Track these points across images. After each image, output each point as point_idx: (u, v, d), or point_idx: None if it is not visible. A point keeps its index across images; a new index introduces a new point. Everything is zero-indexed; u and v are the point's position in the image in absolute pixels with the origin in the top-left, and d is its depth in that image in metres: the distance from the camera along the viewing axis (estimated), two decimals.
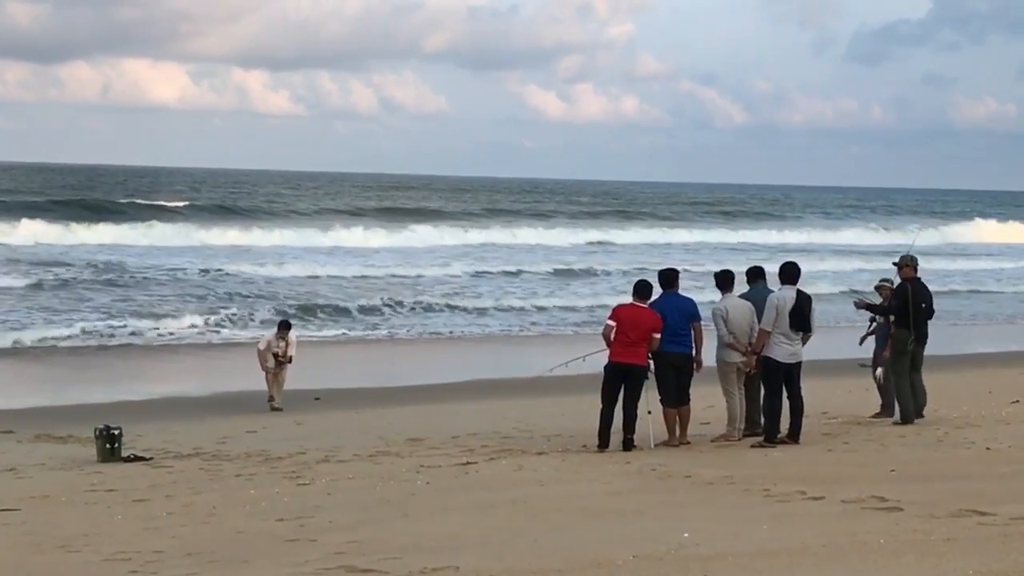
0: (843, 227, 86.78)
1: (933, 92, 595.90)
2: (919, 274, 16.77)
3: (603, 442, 15.08)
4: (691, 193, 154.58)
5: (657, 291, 15.38)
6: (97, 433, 15.84)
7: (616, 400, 15.17)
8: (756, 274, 16.27)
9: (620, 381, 15.10)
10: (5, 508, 12.34)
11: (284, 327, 21.54)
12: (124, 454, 15.73)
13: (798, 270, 15.39)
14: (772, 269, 15.98)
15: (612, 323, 15.10)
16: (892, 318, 16.71)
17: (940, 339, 30.11)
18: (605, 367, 15.28)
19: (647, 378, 15.14)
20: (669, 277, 15.62)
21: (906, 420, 16.50)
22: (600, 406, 15.21)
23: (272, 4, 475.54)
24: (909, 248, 18.14)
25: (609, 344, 15.15)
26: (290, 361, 21.10)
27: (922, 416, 16.71)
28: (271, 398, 20.80)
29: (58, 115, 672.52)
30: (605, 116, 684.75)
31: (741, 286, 16.06)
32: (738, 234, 75.67)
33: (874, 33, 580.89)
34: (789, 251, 64.20)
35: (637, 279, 15.99)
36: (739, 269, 16.52)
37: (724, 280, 15.83)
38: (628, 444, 15.01)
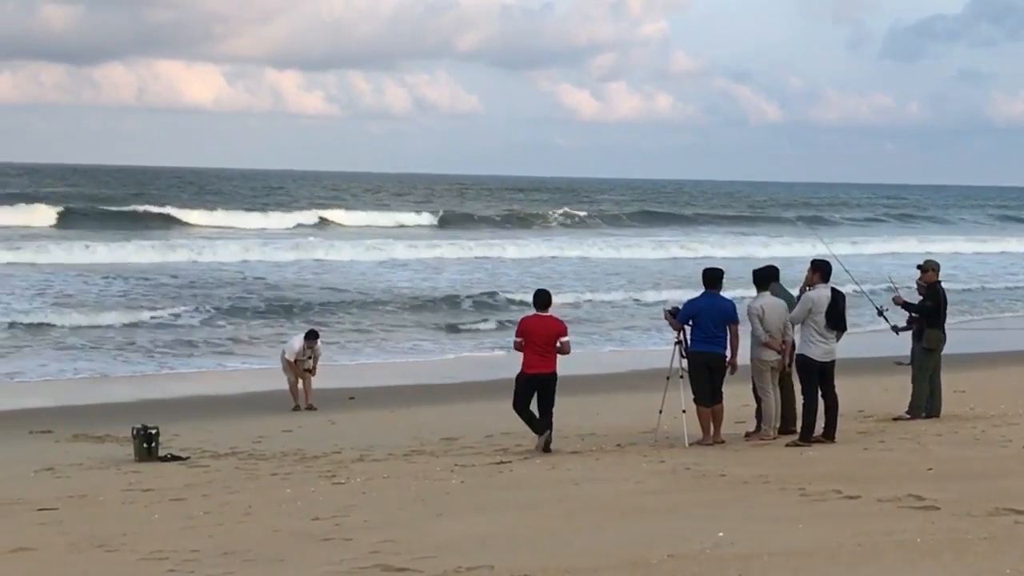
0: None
1: (970, 88, 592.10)
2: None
3: (538, 428, 15.32)
4: (773, 193, 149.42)
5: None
6: (134, 433, 15.95)
7: (529, 404, 15.40)
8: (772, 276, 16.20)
9: (533, 390, 15.38)
10: (43, 507, 12.44)
11: (313, 336, 21.65)
12: (161, 453, 15.84)
13: (830, 268, 15.37)
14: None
15: (519, 339, 15.41)
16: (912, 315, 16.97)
17: (979, 336, 30.13)
18: (517, 377, 15.45)
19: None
20: (714, 277, 15.54)
21: (915, 415, 16.73)
22: (516, 415, 15.49)
23: (304, 4, 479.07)
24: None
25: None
26: (314, 371, 21.19)
27: (938, 416, 16.80)
28: (296, 407, 20.84)
29: (93, 117, 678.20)
30: (638, 114, 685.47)
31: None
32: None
33: (909, 29, 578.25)
34: None
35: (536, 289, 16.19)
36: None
37: (762, 278, 15.74)
38: (547, 445, 15.21)
